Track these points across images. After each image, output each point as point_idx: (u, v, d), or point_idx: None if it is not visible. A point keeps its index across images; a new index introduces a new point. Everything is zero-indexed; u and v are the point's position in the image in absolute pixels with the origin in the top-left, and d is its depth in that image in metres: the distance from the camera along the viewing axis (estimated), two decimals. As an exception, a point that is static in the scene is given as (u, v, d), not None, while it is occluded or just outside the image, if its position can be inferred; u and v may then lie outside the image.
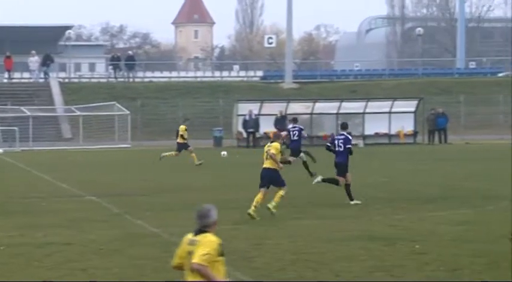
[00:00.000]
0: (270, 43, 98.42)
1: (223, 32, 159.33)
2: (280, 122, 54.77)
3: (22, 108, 62.05)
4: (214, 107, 66.12)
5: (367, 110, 61.01)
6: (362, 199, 24.95)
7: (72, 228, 20.93)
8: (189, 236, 8.76)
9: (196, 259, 8.36)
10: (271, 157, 22.59)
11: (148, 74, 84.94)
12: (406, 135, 60.29)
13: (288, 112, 57.38)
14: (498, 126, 64.44)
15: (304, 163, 34.73)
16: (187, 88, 74.59)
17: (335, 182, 25.38)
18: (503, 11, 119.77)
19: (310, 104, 61.67)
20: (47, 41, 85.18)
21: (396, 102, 61.55)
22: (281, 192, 22.56)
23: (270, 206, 22.44)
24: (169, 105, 67.18)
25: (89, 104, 63.12)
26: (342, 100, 62.42)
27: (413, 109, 61.41)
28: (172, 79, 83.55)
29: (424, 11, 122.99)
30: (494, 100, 68.09)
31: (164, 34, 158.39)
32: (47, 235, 19.75)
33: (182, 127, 42.14)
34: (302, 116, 58.16)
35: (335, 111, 60.73)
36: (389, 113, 60.61)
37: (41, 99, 68.27)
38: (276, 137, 24.42)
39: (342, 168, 25.24)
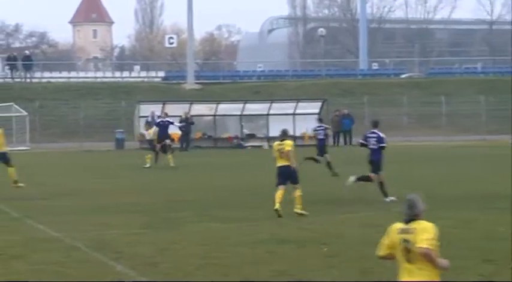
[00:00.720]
0: (171, 43, 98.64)
1: (122, 32, 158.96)
2: (186, 123, 54.73)
3: None
4: (116, 108, 65.63)
5: (271, 112, 61.32)
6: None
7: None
8: (398, 226, 8.76)
9: (424, 244, 8.37)
10: (287, 154, 22.75)
11: (47, 74, 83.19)
12: (310, 137, 58.72)
13: (192, 113, 57.63)
14: (402, 128, 65.04)
15: (328, 163, 35.16)
16: (87, 89, 74.38)
17: (368, 179, 25.72)
18: (404, 12, 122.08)
19: (214, 106, 61.87)
20: None
21: (300, 104, 62.14)
22: (298, 193, 22.75)
23: (298, 211, 22.61)
24: (70, 107, 66.45)
25: (-15, 105, 65.25)
26: (245, 101, 62.87)
27: (317, 110, 61.06)
28: (72, 80, 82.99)
29: (326, 11, 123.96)
30: (398, 101, 69.01)
31: (62, 33, 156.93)
32: None
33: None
34: (205, 118, 60.09)
35: (239, 113, 61.25)
36: (294, 114, 60.87)
37: None
38: (284, 134, 24.08)
39: (376, 165, 25.56)
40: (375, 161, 25.94)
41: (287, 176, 23.10)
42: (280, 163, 23.18)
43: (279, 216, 22.16)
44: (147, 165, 40.70)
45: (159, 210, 24.61)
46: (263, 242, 18.63)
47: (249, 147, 58.07)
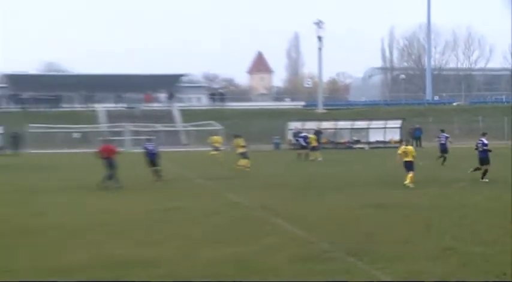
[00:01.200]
0: (308, 84, 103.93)
1: (278, 77, 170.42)
2: (318, 133, 57.15)
3: (156, 125, 67.26)
4: (274, 124, 69.16)
5: (370, 126, 64.71)
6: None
7: (191, 199, 21.62)
8: None
9: None
10: (412, 155, 25.26)
11: (233, 103, 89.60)
12: (395, 142, 61.08)
13: (321, 127, 61.77)
14: (455, 136, 63.13)
15: (444, 158, 36.48)
16: (257, 112, 78.72)
17: (479, 169, 26.88)
18: (455, 64, 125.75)
19: (335, 122, 65.44)
20: (170, 83, 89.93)
21: (388, 121, 65.43)
22: (410, 174, 24.74)
23: (407, 184, 24.50)
24: (247, 123, 70.11)
25: (196, 123, 67.59)
26: (354, 120, 66.30)
27: (399, 125, 64.73)
28: (248, 107, 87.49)
29: (405, 64, 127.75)
30: (451, 120, 72.53)
31: (242, 79, 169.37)
32: (177, 203, 20.46)
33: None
34: (329, 130, 63.23)
35: (350, 127, 64.71)
36: (384, 128, 64.32)
37: (167, 119, 73.71)
38: (407, 142, 27.66)
39: (484, 160, 26.68)
40: (484, 158, 26.85)
41: (408, 167, 25.26)
42: (406, 159, 25.47)
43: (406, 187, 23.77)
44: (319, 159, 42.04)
45: (302, 187, 25.34)
46: (367, 206, 18.89)
47: (356, 149, 60.61)
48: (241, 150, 35.13)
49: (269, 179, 29.44)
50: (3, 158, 51.55)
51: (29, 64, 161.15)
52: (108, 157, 26.32)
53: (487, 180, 25.75)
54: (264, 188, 25.31)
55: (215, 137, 46.26)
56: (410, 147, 26.37)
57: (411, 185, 24.25)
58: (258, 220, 16.78)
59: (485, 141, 26.98)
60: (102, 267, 11.65)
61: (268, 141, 63.70)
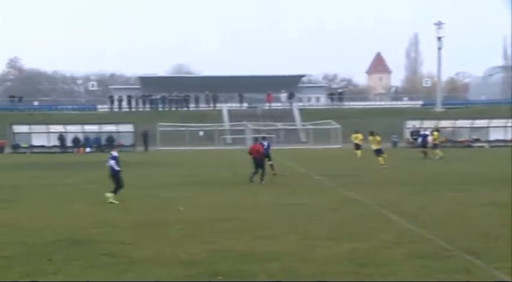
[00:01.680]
0: (427, 84, 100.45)
1: (397, 77, 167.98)
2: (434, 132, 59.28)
3: (276, 124, 68.37)
4: (391, 122, 67.86)
5: (490, 125, 63.57)
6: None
7: (309, 195, 21.52)
8: None
9: None
10: None
11: (351, 103, 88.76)
12: None
13: (439, 126, 58.85)
14: None
15: None
16: (375, 112, 78.56)
17: None
18: None
19: (453, 121, 64.67)
20: (290, 83, 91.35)
21: (510, 120, 63.38)
22: None
23: None
24: (364, 122, 67.03)
25: (315, 121, 67.76)
26: (473, 119, 64.86)
27: None
28: (366, 106, 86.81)
29: None
30: None
31: (361, 79, 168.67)
32: (296, 199, 20.35)
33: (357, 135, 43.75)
34: (447, 129, 61.90)
35: (468, 126, 63.67)
36: (505, 126, 63.18)
37: (287, 118, 74.51)
38: None
39: None
40: None
41: None
42: None
43: None
44: (438, 157, 41.29)
45: (420, 184, 24.69)
46: (485, 204, 18.23)
47: (475, 147, 59.63)
48: (376, 146, 35.04)
49: (387, 176, 29.03)
50: (134, 155, 53.61)
51: (160, 66, 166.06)
52: (256, 156, 26.81)
53: None
54: (383, 185, 24.96)
55: (357, 134, 46.46)
56: None
57: None
58: (375, 217, 16.49)
59: None
60: (220, 260, 11.65)
61: (386, 140, 60.67)
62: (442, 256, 11.68)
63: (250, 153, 27.24)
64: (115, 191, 19.94)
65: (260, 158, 27.16)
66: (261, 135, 37.37)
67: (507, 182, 24.60)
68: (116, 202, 19.66)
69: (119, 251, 12.42)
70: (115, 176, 20.09)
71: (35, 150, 59.64)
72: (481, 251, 11.95)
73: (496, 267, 10.80)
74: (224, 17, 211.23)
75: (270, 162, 29.43)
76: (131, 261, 11.56)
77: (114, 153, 20.49)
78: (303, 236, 13.85)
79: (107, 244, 13.13)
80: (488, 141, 61.91)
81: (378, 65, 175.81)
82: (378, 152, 34.57)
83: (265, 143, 30.46)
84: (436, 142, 44.01)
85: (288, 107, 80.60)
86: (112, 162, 20.03)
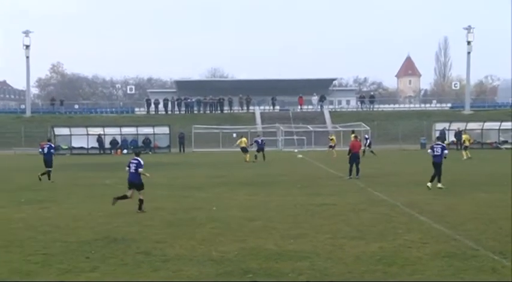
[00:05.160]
0: (456, 87, 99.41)
1: (426, 81, 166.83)
2: (458, 134, 56.94)
3: (308, 126, 67.31)
4: (420, 125, 68.08)
5: None
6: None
7: (336, 195, 21.46)
8: None
9: None
10: None
11: (381, 105, 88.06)
12: None
13: (467, 128, 58.90)
14: None
15: None
16: (404, 114, 77.41)
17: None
18: None
19: (481, 123, 63.01)
20: (322, 87, 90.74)
21: None
22: None
23: None
24: (392, 124, 70.44)
25: (345, 124, 66.33)
26: (501, 121, 63.34)
27: None
28: (395, 109, 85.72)
29: None
30: None
31: (391, 82, 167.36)
32: (324, 199, 20.38)
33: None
34: (475, 131, 60.73)
35: (497, 127, 62.21)
36: None
37: (318, 121, 73.69)
38: None
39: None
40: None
41: None
42: None
43: None
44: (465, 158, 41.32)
45: (445, 185, 23.74)
46: (510, 205, 17.74)
47: (503, 149, 58.11)
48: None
49: (414, 176, 28.75)
50: (169, 156, 53.75)
51: (195, 70, 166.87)
52: (356, 152, 28.98)
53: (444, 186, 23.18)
54: (410, 185, 24.83)
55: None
56: None
57: None
58: (402, 217, 16.36)
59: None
60: (250, 258, 11.65)
61: (415, 142, 62.71)
62: (468, 256, 11.56)
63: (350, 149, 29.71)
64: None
65: (259, 151, 43.18)
66: (257, 135, 49.37)
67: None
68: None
69: (153, 249, 12.51)
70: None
71: (74, 151, 60.25)
72: (507, 251, 11.79)
73: (522, 267, 10.43)
74: (258, 20, 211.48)
75: (259, 153, 42.97)
76: (165, 259, 11.63)
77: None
78: (331, 235, 13.81)
79: (142, 242, 13.23)
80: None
81: (408, 69, 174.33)
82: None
83: (259, 140, 44.60)
84: (467, 144, 44.06)
85: (319, 110, 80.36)
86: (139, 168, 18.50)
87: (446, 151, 23.83)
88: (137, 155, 19.02)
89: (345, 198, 20.52)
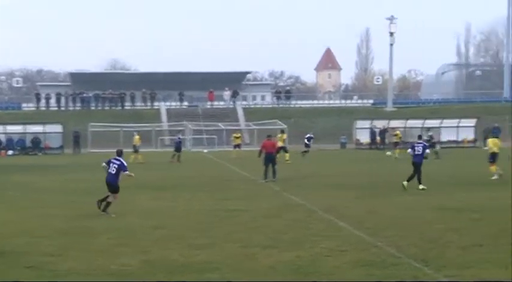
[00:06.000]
0: (378, 81, 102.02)
1: (347, 75, 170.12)
2: (383, 132, 59.73)
3: (219, 124, 67.11)
4: (341, 123, 69.31)
5: (442, 125, 64.08)
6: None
7: (249, 200, 21.56)
8: None
9: None
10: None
11: (299, 101, 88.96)
12: (468, 141, 63.16)
13: (390, 126, 61.41)
14: None
15: None
16: (323, 111, 78.54)
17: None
18: None
19: (404, 121, 64.86)
20: (234, 81, 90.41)
21: (462, 120, 64.83)
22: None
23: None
24: (312, 122, 70.80)
25: (260, 121, 67.18)
26: (425, 118, 65.26)
27: (473, 124, 64.29)
28: (314, 105, 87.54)
29: (482, 59, 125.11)
30: None
31: (309, 76, 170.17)
32: (235, 204, 20.47)
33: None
34: (399, 129, 59.58)
35: (421, 126, 62.99)
36: (457, 127, 63.91)
37: (230, 118, 73.58)
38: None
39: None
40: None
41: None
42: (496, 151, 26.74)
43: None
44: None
45: (366, 187, 25.15)
46: (434, 208, 18.68)
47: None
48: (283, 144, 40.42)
49: (333, 178, 29.41)
50: (62, 158, 53.02)
51: (91, 62, 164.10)
52: (270, 152, 28.99)
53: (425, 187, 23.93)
54: (328, 188, 25.31)
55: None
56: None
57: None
58: (320, 223, 16.68)
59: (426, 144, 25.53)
60: (154, 271, 11.67)
61: (335, 141, 63.91)
62: (388, 264, 11.89)
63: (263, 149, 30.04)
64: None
65: (177, 150, 44.65)
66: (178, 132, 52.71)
67: (459, 185, 25.38)
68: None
69: (44, 263, 12.30)
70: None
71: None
72: (430, 258, 12.20)
73: (445, 274, 11.05)
74: (163, 7, 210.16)
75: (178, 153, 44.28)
76: (57, 274, 11.47)
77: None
78: (242, 244, 13.93)
79: (32, 256, 12.98)
80: (440, 142, 62.45)
81: (327, 62, 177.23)
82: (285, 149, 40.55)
83: (178, 140, 46.56)
84: (396, 140, 46.49)
85: (231, 106, 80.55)
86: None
87: (427, 150, 24.64)
88: (119, 154, 19.22)
89: (258, 203, 20.70)
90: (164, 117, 74.62)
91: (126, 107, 78.57)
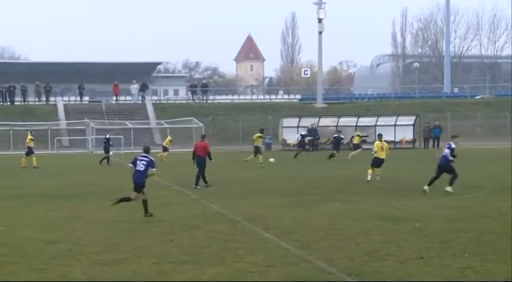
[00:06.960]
0: (306, 74, 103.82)
1: (271, 66, 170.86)
2: (312, 131, 60.02)
3: (126, 122, 66.98)
4: (266, 121, 69.69)
5: (378, 123, 64.57)
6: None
7: (163, 209, 21.67)
8: None
9: None
10: (387, 150, 28.49)
11: (217, 97, 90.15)
12: (407, 142, 64.40)
13: (320, 124, 62.68)
14: (477, 135, 69.04)
15: None
16: (245, 107, 79.69)
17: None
18: (478, 50, 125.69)
19: (336, 119, 65.64)
20: (143, 73, 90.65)
21: (400, 117, 65.89)
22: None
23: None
24: (233, 120, 72.27)
25: (173, 119, 67.36)
26: (359, 116, 66.79)
27: (412, 122, 65.31)
28: (234, 101, 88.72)
29: (420, 50, 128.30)
30: (473, 116, 73.71)
31: (228, 68, 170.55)
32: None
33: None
34: (330, 128, 63.02)
35: (354, 124, 64.15)
36: (395, 125, 64.50)
37: (139, 115, 73.64)
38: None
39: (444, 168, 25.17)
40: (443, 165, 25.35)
41: (380, 163, 28.79)
42: (378, 155, 28.42)
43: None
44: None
45: (295, 193, 25.70)
46: (370, 217, 19.06)
47: (361, 149, 58.53)
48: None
49: (259, 184, 29.66)
50: None
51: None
52: (201, 155, 28.85)
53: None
54: (253, 195, 25.52)
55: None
56: (386, 144, 28.88)
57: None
58: (243, 235, 16.79)
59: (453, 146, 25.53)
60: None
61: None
62: (320, 279, 12.05)
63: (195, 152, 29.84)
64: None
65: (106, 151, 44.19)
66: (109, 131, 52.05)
67: (398, 191, 26.06)
68: None
69: None
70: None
71: None
72: (365, 273, 12.39)
73: (382, 289, 10.94)
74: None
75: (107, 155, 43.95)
76: None
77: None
78: (156, 259, 13.86)
79: None
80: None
81: (249, 51, 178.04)
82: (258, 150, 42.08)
83: (106, 139, 46.44)
84: (356, 141, 48.08)
85: (139, 102, 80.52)
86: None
87: (447, 151, 25.15)
88: (147, 151, 20.78)
89: (174, 213, 20.74)
90: (62, 114, 73.60)
91: (16, 103, 76.90)
